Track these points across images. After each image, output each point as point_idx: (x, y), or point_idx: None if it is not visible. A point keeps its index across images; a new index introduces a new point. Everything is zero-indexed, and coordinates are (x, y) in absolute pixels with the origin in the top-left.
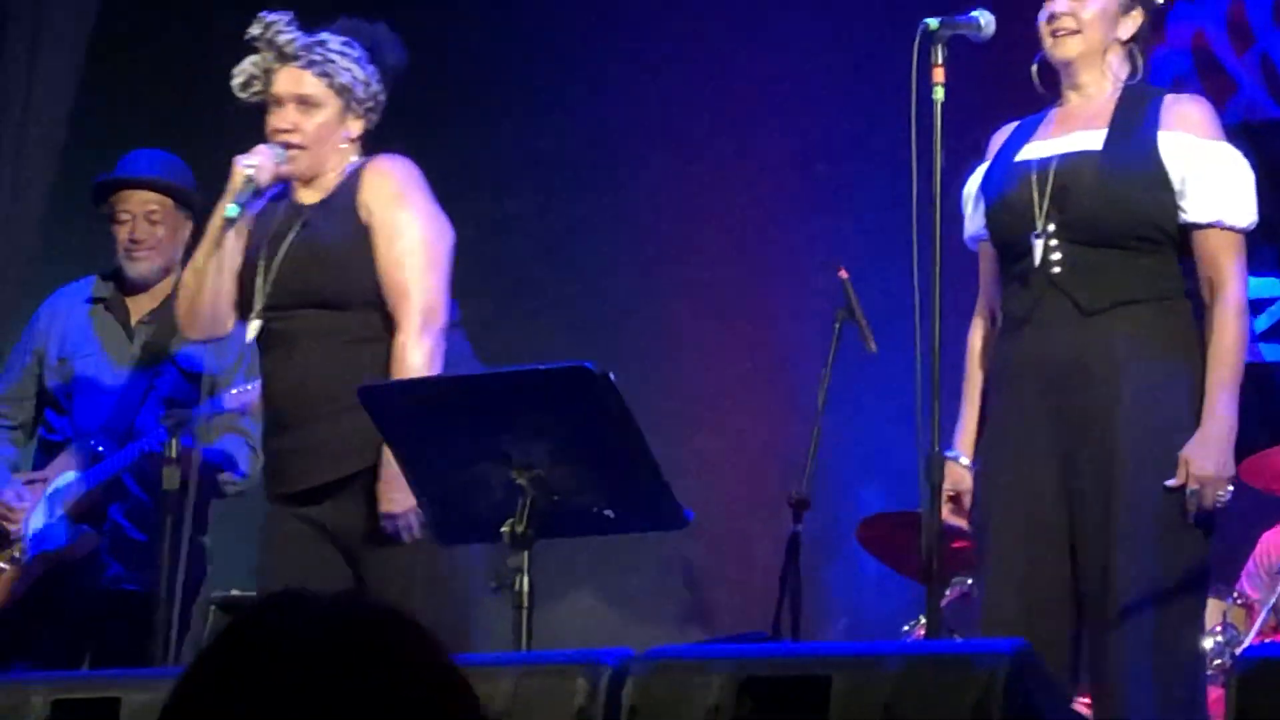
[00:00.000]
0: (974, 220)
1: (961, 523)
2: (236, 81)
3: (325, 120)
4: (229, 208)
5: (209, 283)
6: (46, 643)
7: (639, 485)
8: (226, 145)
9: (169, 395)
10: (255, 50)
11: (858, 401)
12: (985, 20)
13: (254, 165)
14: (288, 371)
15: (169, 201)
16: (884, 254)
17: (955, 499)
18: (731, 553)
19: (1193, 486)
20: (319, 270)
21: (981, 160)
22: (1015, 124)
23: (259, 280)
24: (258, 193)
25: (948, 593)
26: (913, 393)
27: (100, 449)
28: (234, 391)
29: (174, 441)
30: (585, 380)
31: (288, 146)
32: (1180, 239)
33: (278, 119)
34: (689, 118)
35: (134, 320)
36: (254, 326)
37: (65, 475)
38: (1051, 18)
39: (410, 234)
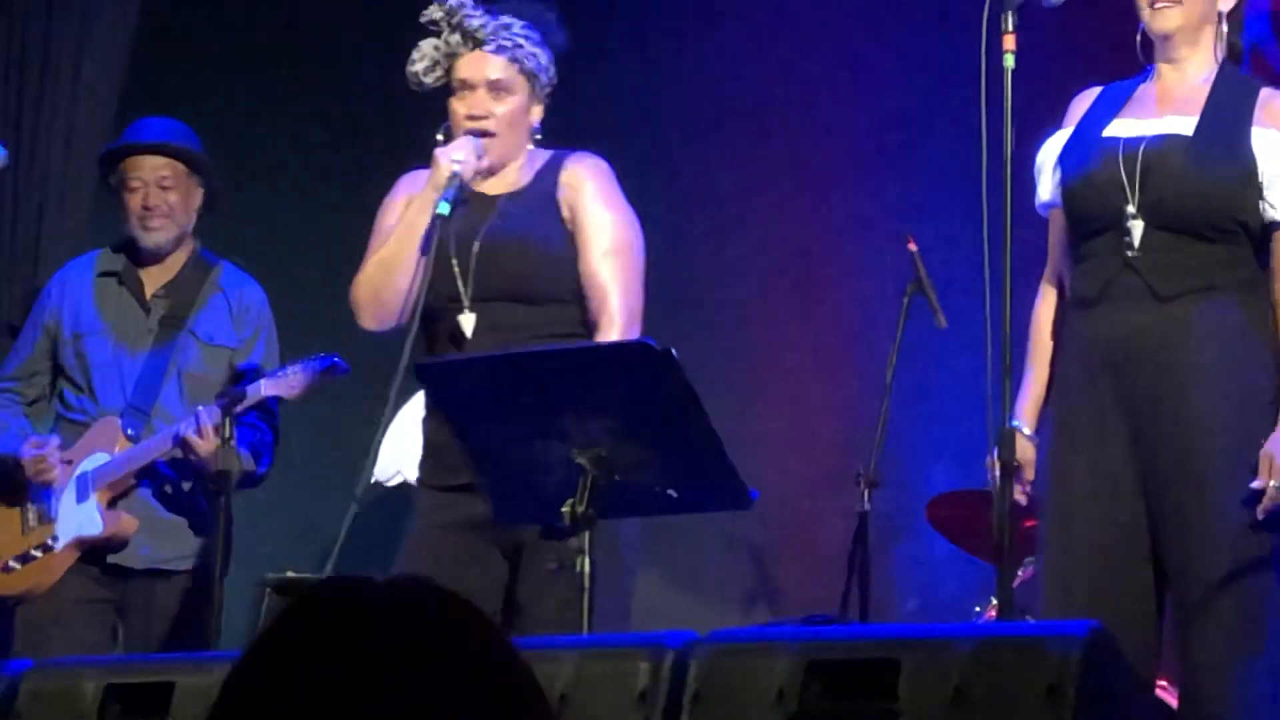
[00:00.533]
0: (1048, 188)
1: (1020, 497)
2: (418, 66)
3: (516, 106)
4: (440, 205)
5: (399, 277)
6: (83, 626)
7: (702, 464)
8: (281, 117)
9: (191, 370)
10: (433, 34)
11: (927, 377)
12: None
13: (460, 160)
14: None
15: (181, 167)
16: (954, 226)
17: (1016, 469)
18: (798, 532)
19: (1276, 482)
20: (519, 264)
21: (1058, 126)
22: (1098, 90)
23: (457, 272)
24: (463, 187)
25: (1020, 573)
26: (983, 368)
27: (130, 430)
28: (290, 373)
29: (228, 421)
30: (647, 357)
31: (482, 135)
32: (1261, 235)
33: (470, 104)
34: (754, 85)
35: (149, 294)
36: (469, 319)
37: (95, 457)
38: None
39: (614, 235)
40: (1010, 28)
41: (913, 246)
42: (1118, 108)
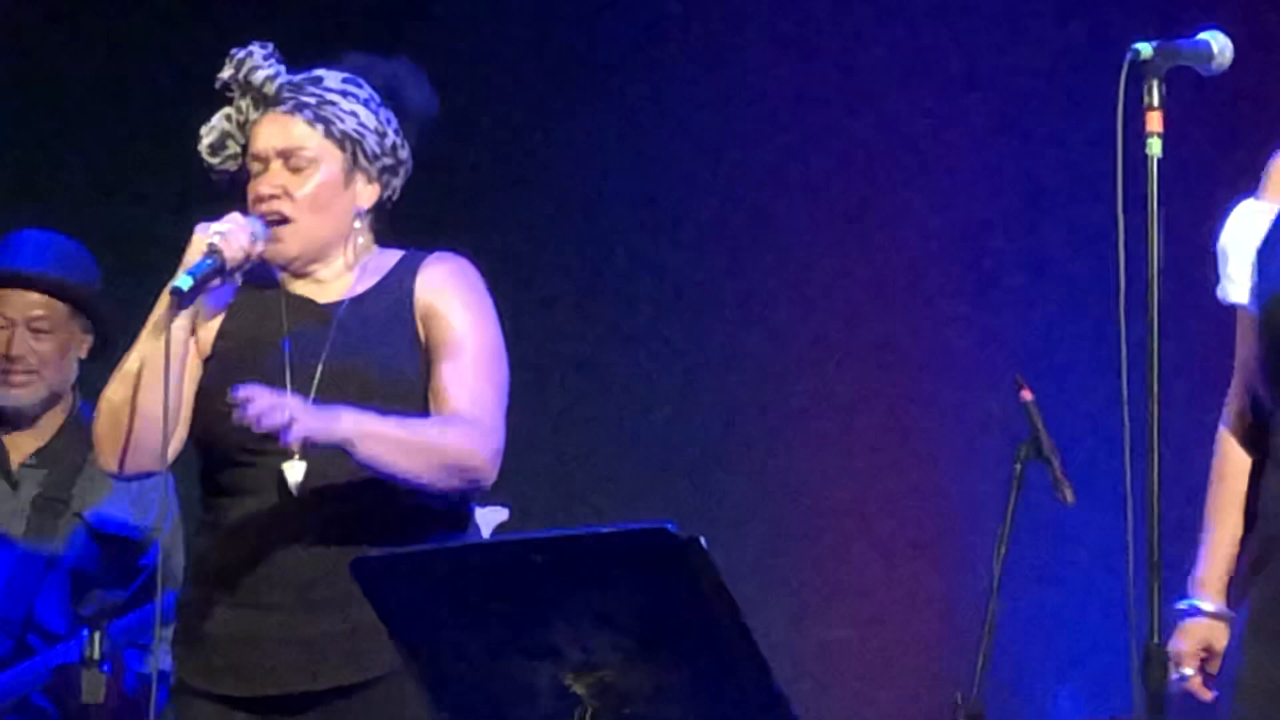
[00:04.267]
0: (1240, 287)
1: (1203, 693)
2: (206, 142)
3: (323, 182)
4: (179, 278)
5: (145, 395)
6: None
7: (742, 693)
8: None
9: (76, 566)
10: (228, 100)
11: (1049, 569)
12: (1219, 45)
13: (223, 232)
14: (289, 528)
15: (61, 306)
16: (1082, 365)
17: (1203, 658)
18: None
19: None
20: (363, 397)
21: (1252, 192)
22: None
23: None
24: (222, 272)
25: None
26: (1123, 560)
27: None
28: None
29: (96, 638)
30: (666, 547)
31: (275, 221)
32: None
33: (261, 183)
34: (830, 183)
35: (14, 463)
36: (296, 468)
37: None
38: None
39: (474, 343)
40: (1156, 102)
41: (1027, 395)
42: None
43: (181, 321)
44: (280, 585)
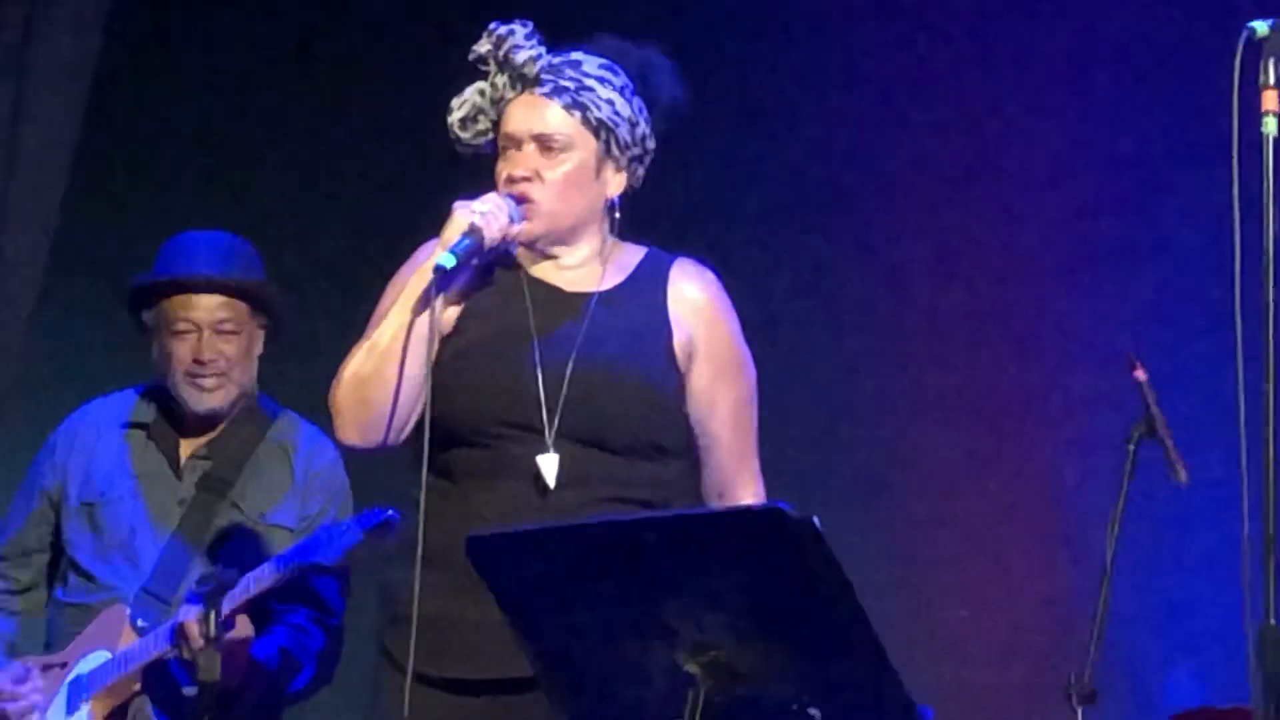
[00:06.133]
0: None
1: None
2: (457, 115)
3: (576, 168)
4: (442, 256)
5: (396, 369)
6: None
7: (855, 673)
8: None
9: (231, 555)
10: (482, 74)
11: (1163, 552)
12: None
13: (484, 211)
14: (531, 517)
15: (242, 306)
16: (1196, 345)
17: None
18: None
19: None
20: (615, 399)
21: None
22: None
23: (542, 394)
24: (480, 251)
25: None
26: (1239, 540)
27: (140, 622)
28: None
29: (211, 616)
30: (780, 526)
31: (524, 200)
32: None
33: (512, 163)
34: (945, 164)
35: (184, 454)
36: (551, 461)
37: (94, 656)
38: None
39: (749, 380)
40: (1272, 81)
41: (1140, 374)
42: None
43: (438, 300)
44: None
